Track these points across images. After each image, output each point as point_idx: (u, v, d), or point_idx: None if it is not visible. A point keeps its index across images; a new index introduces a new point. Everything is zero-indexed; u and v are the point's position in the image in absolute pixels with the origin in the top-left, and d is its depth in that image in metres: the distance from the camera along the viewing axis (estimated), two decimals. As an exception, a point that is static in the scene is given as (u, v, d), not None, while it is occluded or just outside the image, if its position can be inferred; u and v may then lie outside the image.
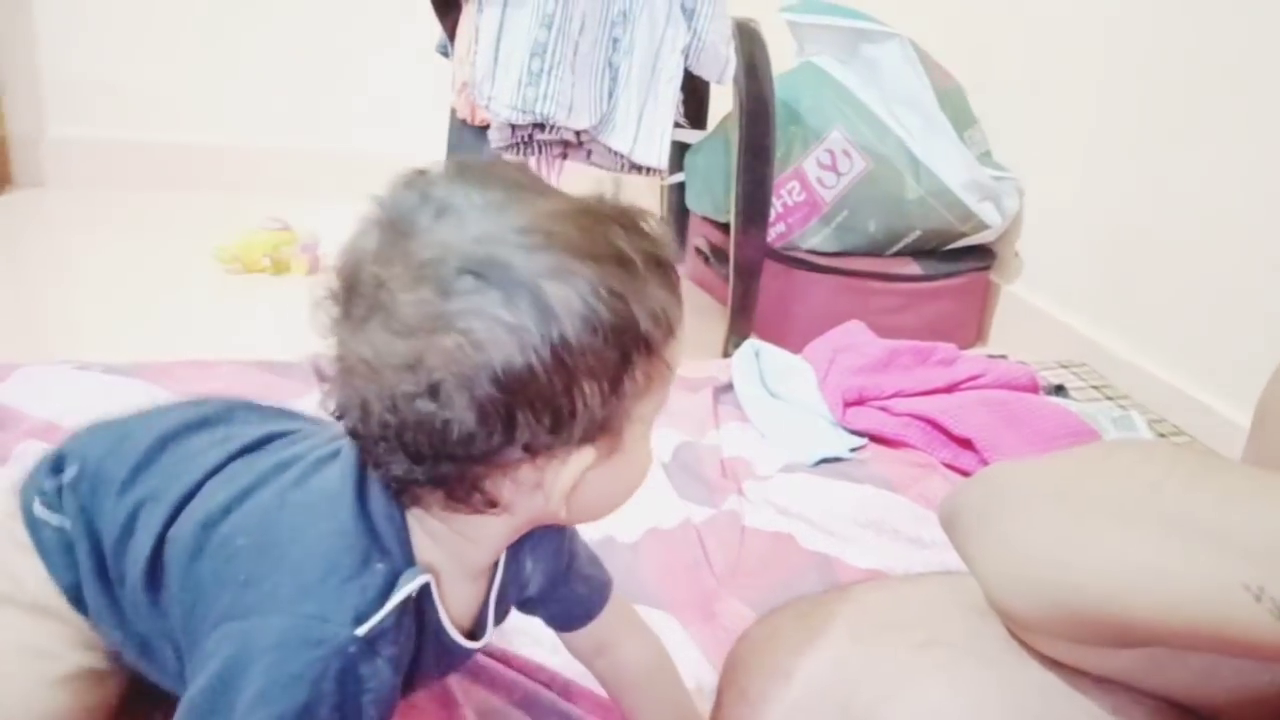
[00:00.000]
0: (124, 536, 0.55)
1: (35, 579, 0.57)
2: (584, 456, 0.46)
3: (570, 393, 0.44)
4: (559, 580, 0.60)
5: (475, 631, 0.55)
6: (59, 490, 0.58)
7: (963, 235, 1.75)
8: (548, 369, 0.43)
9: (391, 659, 0.47)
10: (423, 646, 0.51)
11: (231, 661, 0.45)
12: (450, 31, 1.45)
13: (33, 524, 0.58)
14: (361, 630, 0.45)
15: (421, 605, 0.49)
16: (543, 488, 0.47)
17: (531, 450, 0.45)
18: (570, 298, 0.43)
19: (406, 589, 0.47)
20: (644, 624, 0.67)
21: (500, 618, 0.57)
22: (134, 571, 0.54)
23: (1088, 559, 0.43)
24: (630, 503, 0.56)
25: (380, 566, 0.47)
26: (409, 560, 0.48)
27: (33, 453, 1.00)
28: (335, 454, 0.52)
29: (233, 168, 2.17)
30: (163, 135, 2.18)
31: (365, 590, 0.46)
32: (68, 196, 2.12)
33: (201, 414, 0.59)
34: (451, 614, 0.52)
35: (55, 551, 0.57)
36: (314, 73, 2.21)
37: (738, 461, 1.14)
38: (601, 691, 0.70)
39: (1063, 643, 0.46)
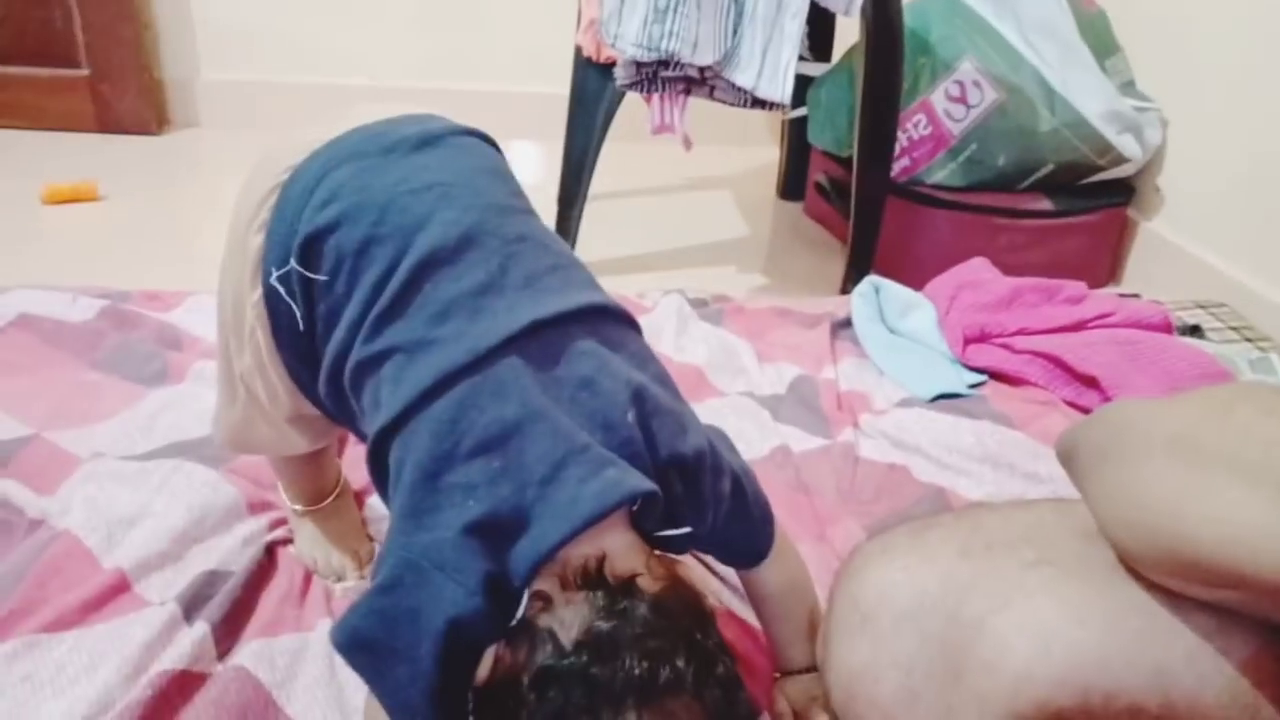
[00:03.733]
0: (360, 376, 0.62)
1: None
2: None
3: None
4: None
5: None
6: (304, 280, 0.65)
7: (1099, 169, 1.68)
8: None
9: None
10: None
11: None
12: (577, -31, 1.48)
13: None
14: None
15: None
16: None
17: None
18: None
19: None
20: (790, 545, 0.73)
21: None
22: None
23: (1203, 512, 0.45)
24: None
25: None
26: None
27: (209, 370, 1.11)
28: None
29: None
30: (308, 78, 2.29)
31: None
32: (220, 136, 2.26)
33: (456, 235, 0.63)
34: None
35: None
36: (448, 15, 2.27)
37: (854, 395, 1.16)
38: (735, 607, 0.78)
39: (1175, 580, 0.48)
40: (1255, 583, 0.43)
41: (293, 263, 0.65)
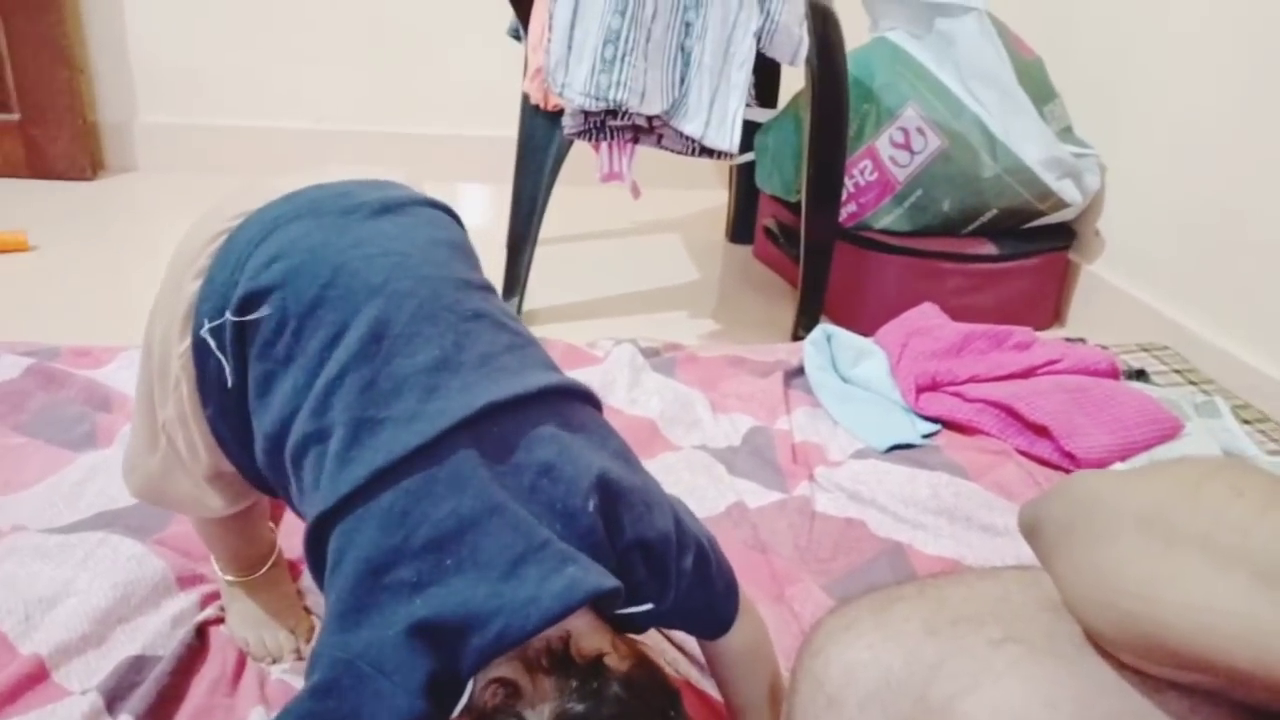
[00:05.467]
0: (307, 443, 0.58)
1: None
2: None
3: None
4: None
5: None
6: (239, 337, 0.61)
7: (1041, 214, 1.71)
8: None
9: None
10: None
11: None
12: (524, 17, 1.47)
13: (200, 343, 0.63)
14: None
15: None
16: None
17: None
18: None
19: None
20: (751, 606, 0.70)
21: None
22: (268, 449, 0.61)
23: (1178, 599, 0.43)
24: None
25: None
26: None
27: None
28: None
29: (312, 150, 2.23)
30: (248, 120, 2.25)
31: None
32: (158, 181, 2.20)
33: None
34: None
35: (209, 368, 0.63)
36: (393, 57, 2.25)
37: (809, 447, 1.15)
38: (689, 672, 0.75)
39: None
40: (1232, 671, 0.42)
41: (229, 315, 0.61)
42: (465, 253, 0.69)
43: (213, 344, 0.62)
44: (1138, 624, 0.45)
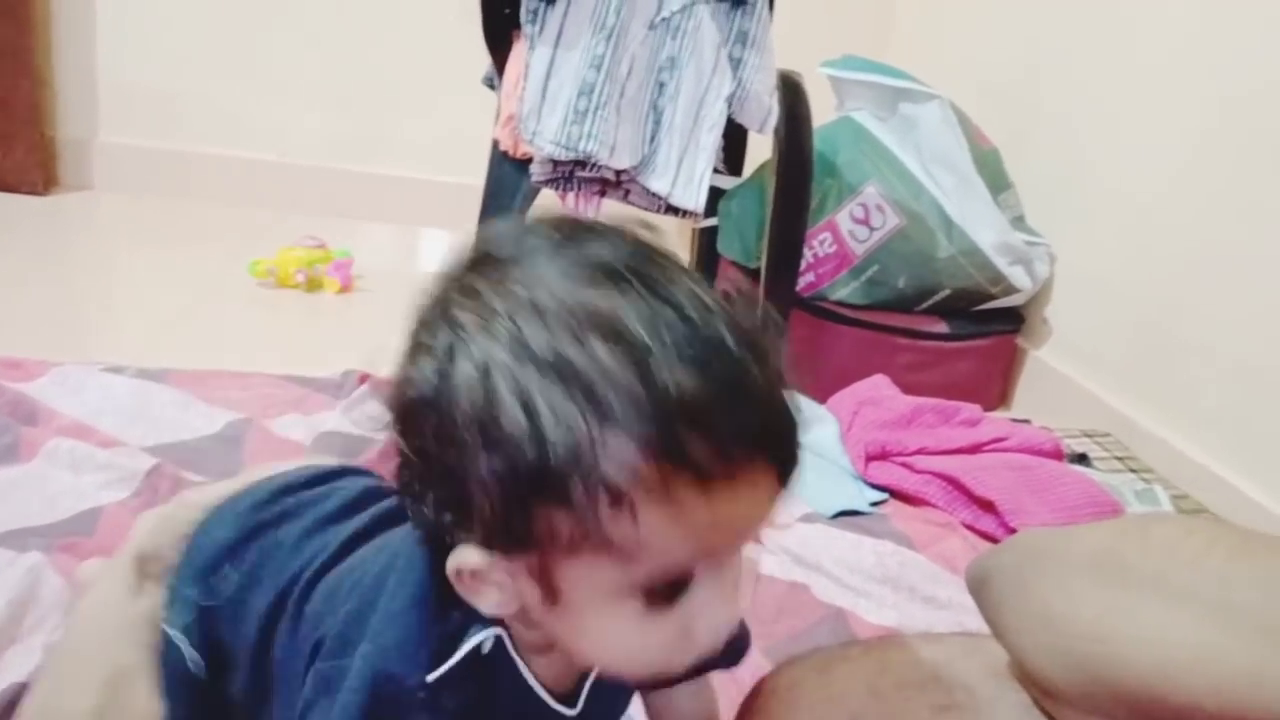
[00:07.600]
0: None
1: None
2: (499, 568, 0.43)
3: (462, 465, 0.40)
4: None
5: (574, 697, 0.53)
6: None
7: (992, 297, 1.75)
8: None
9: (454, 712, 0.46)
10: (500, 707, 0.49)
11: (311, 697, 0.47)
12: (499, 66, 1.48)
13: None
14: (431, 677, 0.45)
15: (497, 663, 0.48)
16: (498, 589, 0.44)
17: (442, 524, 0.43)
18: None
19: (474, 640, 0.46)
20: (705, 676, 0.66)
21: (614, 693, 0.56)
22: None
23: (1130, 633, 0.43)
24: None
25: (457, 615, 0.46)
26: (478, 615, 0.46)
27: (64, 449, 1.02)
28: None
29: (274, 184, 2.22)
30: (210, 148, 2.22)
31: (442, 638, 0.46)
32: (113, 201, 2.16)
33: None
34: (544, 676, 0.50)
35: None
36: (363, 99, 2.25)
37: (756, 508, 1.14)
38: None
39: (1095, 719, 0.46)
40: (1189, 709, 0.41)
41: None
42: None
43: None
44: (1091, 665, 0.44)
